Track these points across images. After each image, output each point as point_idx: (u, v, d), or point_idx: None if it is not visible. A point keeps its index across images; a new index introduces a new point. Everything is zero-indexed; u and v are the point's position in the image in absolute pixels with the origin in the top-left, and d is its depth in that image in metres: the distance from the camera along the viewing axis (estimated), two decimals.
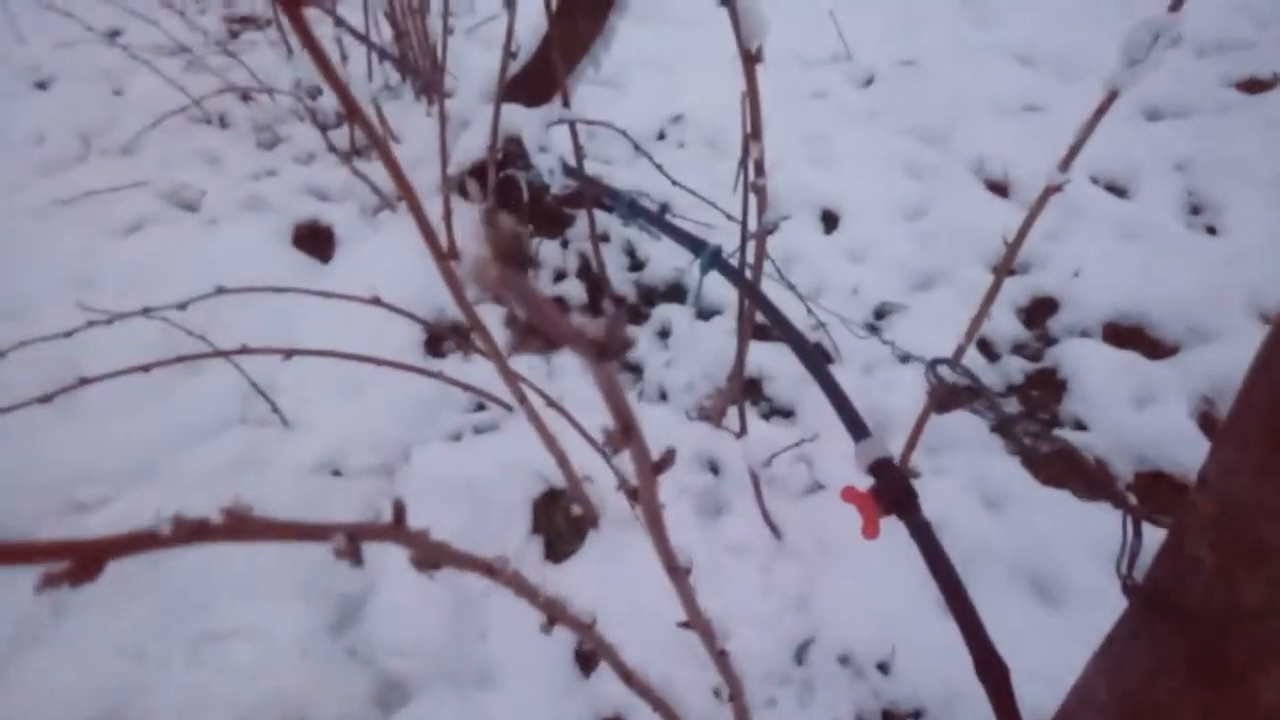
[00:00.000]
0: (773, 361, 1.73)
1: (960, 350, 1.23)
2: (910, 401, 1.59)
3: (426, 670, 1.26)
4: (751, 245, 1.23)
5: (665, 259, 2.00)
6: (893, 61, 2.76)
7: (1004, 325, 1.81)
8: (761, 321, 1.14)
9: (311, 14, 2.65)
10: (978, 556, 1.37)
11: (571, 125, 1.59)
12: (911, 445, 1.37)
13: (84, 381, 1.12)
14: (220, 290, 1.16)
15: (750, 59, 0.97)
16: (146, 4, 2.73)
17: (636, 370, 1.78)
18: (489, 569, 0.63)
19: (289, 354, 1.15)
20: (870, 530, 0.79)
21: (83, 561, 0.34)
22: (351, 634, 1.30)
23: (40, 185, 2.12)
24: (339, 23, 2.05)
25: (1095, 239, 1.97)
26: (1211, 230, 2.01)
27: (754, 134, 1.06)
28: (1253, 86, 2.45)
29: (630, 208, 1.42)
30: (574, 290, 1.96)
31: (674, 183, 1.78)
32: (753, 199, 1.16)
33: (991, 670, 0.69)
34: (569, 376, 1.71)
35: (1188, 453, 1.52)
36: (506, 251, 0.23)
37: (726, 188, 2.03)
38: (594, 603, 1.29)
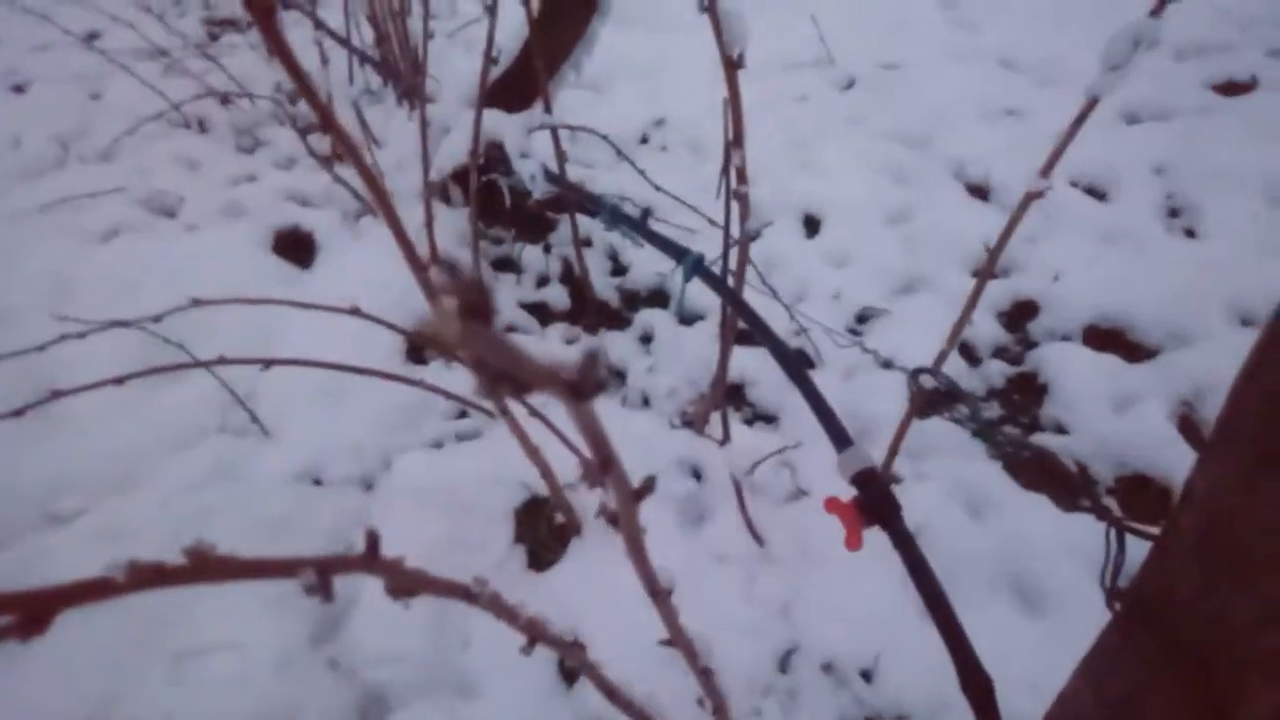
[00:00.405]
0: (756, 366, 1.72)
1: (942, 356, 1.23)
2: (892, 406, 1.59)
3: (409, 681, 1.25)
4: (734, 252, 1.23)
5: (648, 264, 1.99)
6: (875, 65, 2.77)
7: (985, 329, 1.82)
8: (745, 327, 1.14)
9: (291, 16, 2.64)
10: (960, 563, 1.37)
11: (553, 130, 1.59)
12: (893, 452, 1.37)
13: (57, 395, 1.10)
14: (195, 302, 1.15)
15: (732, 65, 0.96)
16: (124, 7, 2.71)
17: (619, 376, 1.78)
18: (467, 594, 0.62)
19: (267, 364, 1.14)
20: (853, 542, 0.79)
21: (30, 615, 0.32)
22: (332, 645, 1.29)
23: (17, 191, 2.09)
24: (319, 25, 2.03)
25: (1075, 242, 1.98)
26: (1190, 233, 2.02)
27: (736, 141, 1.06)
28: (1231, 89, 2.47)
29: (613, 214, 1.41)
30: (557, 295, 1.95)
31: (656, 188, 1.77)
32: (735, 206, 1.15)
33: (975, 683, 0.69)
34: None
35: (1168, 456, 1.53)
36: (469, 304, 0.22)
37: (709, 192, 2.02)
38: (577, 612, 1.29)
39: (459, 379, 1.61)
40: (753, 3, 1.13)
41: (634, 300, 1.98)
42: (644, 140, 2.47)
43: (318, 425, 1.59)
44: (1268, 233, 1.94)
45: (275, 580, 0.44)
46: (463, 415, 1.65)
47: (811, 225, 2.14)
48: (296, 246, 2.04)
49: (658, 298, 1.98)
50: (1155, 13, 0.89)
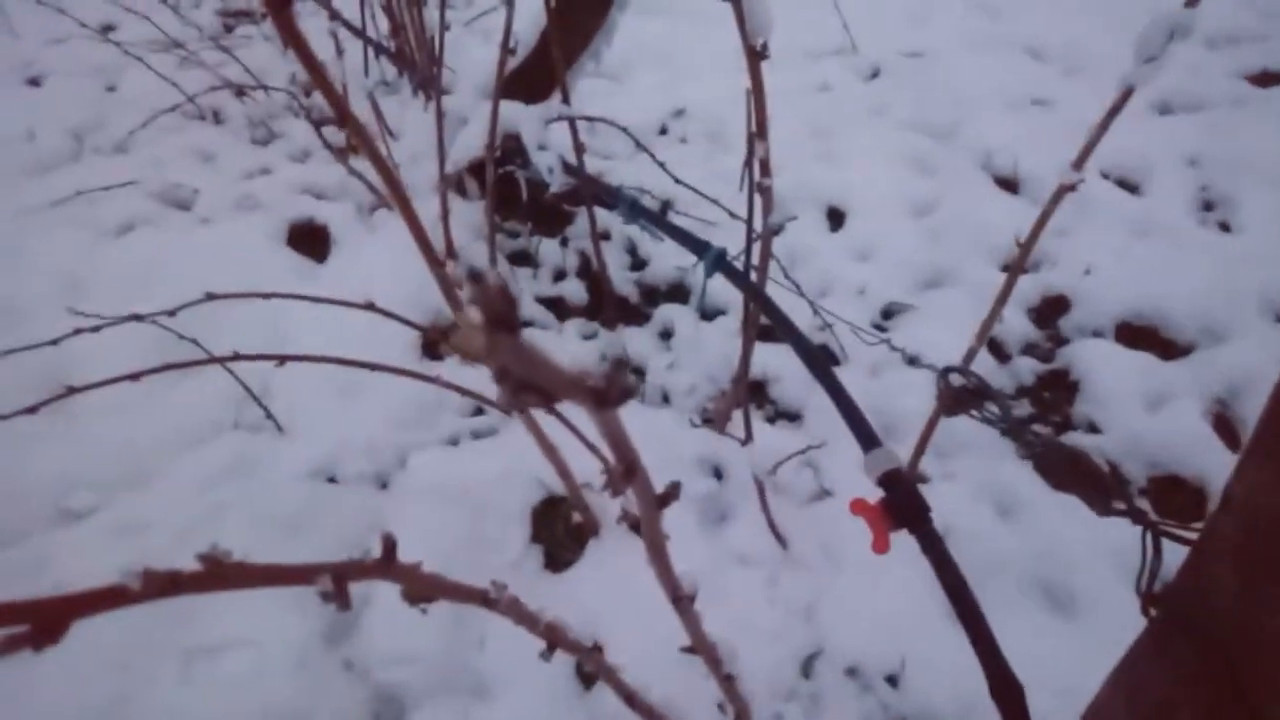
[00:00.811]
0: (778, 363, 1.69)
1: (971, 354, 1.20)
2: (919, 403, 1.56)
3: (423, 681, 1.23)
4: (756, 247, 1.20)
5: (667, 258, 1.96)
6: (899, 54, 2.72)
7: (1015, 325, 1.78)
8: (767, 323, 1.11)
9: (305, 6, 2.62)
10: (989, 565, 1.34)
11: (571, 122, 1.56)
12: (920, 451, 1.34)
13: (72, 391, 1.08)
14: (209, 296, 1.13)
15: (755, 55, 0.93)
16: None
17: (639, 373, 1.75)
18: (485, 599, 0.60)
19: (282, 361, 1.12)
20: (881, 545, 0.76)
21: (44, 624, 0.31)
22: (347, 645, 1.27)
23: (32, 184, 2.08)
24: (334, 16, 2.00)
25: (1106, 236, 1.93)
26: (1225, 227, 1.97)
27: (759, 132, 1.03)
28: (1265, 80, 2.40)
29: (632, 208, 1.38)
30: (574, 290, 1.93)
31: (676, 180, 1.74)
32: (758, 199, 1.12)
33: (1006, 690, 0.67)
34: None
35: (1202, 456, 1.49)
36: (496, 314, 0.20)
37: (729, 183, 1.99)
38: (594, 614, 1.27)
39: (475, 375, 1.59)
40: None
41: (653, 295, 1.95)
42: (663, 131, 2.43)
43: (333, 421, 1.57)
44: None
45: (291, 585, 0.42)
46: (479, 412, 1.62)
47: (835, 218, 2.09)
48: (311, 240, 2.02)
49: (678, 292, 1.95)
50: (1191, 3, 0.86)
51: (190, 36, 2.63)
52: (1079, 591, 1.32)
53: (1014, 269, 1.10)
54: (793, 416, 1.65)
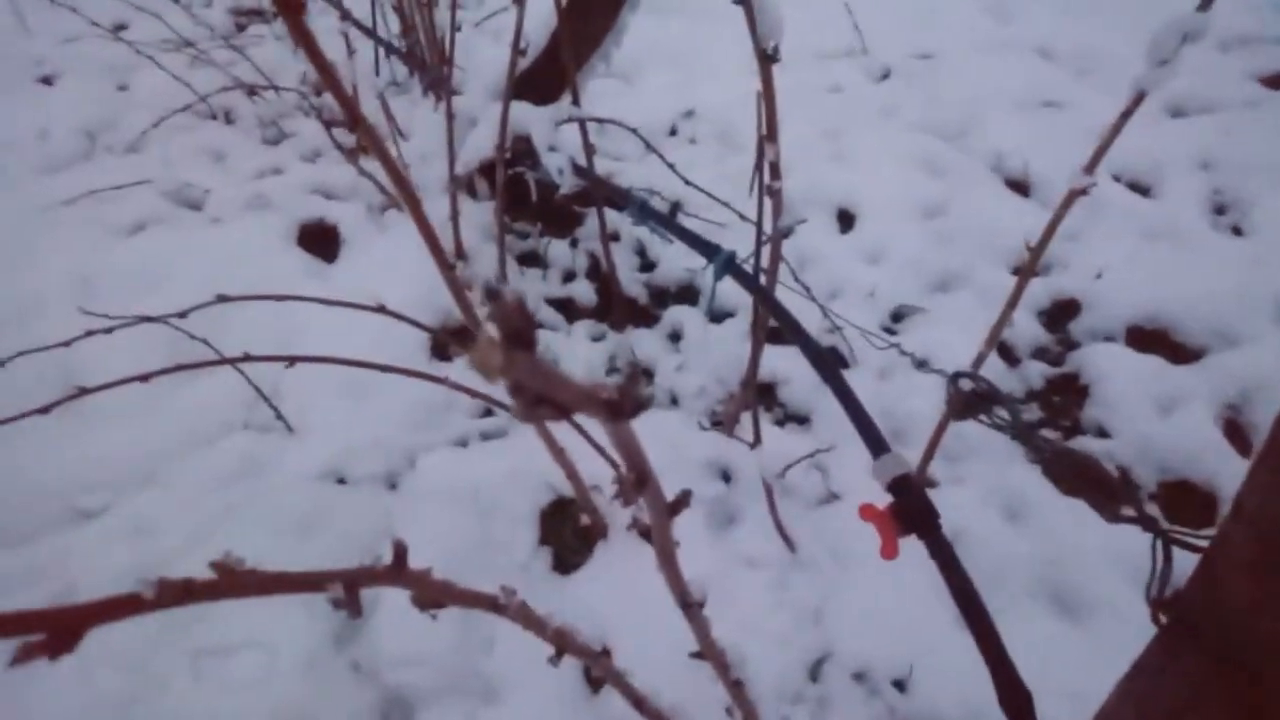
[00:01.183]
0: (787, 366, 1.69)
1: (981, 358, 1.19)
2: (928, 407, 1.55)
3: (432, 684, 1.23)
4: (766, 249, 1.19)
5: (677, 259, 1.96)
6: (909, 55, 2.71)
7: (1025, 328, 1.77)
8: (776, 325, 1.11)
9: (316, 5, 2.62)
10: (998, 569, 1.33)
11: (581, 123, 1.56)
12: (929, 456, 1.33)
13: (83, 391, 1.09)
14: (221, 298, 1.13)
15: (766, 59, 0.93)
16: None
17: (648, 374, 1.75)
18: (494, 605, 0.60)
19: (291, 362, 1.12)
20: (889, 550, 0.76)
21: (59, 633, 0.31)
22: (355, 647, 1.27)
23: (44, 183, 2.09)
24: (345, 16, 2.01)
25: (1118, 239, 1.92)
26: (1237, 230, 1.96)
27: (769, 136, 1.03)
28: (1278, 82, 2.39)
29: (642, 210, 1.38)
30: (584, 291, 1.93)
31: (687, 182, 1.74)
32: (768, 202, 1.12)
33: (1014, 697, 0.66)
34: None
35: (1213, 461, 1.48)
36: (513, 330, 0.20)
37: (739, 184, 1.99)
38: (603, 617, 1.27)
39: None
40: None
41: (663, 296, 1.95)
42: (673, 132, 2.43)
43: (342, 422, 1.58)
44: None
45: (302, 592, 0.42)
46: (488, 414, 1.62)
47: (845, 220, 2.09)
48: (322, 240, 2.02)
49: (687, 294, 1.94)
50: (1204, 7, 0.85)
51: (202, 35, 2.63)
52: (1088, 597, 1.31)
53: (1024, 273, 1.10)
54: (802, 419, 1.65)
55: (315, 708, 1.21)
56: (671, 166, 1.73)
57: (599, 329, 1.85)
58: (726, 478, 1.50)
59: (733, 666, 0.79)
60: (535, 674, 1.22)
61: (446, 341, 1.70)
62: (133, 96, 2.47)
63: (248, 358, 1.14)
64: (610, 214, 1.84)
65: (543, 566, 1.39)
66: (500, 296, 0.20)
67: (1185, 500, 1.47)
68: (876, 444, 0.85)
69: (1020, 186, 2.15)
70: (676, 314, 1.86)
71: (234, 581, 0.39)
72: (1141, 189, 2.10)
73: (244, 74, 2.44)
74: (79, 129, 2.29)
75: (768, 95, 0.98)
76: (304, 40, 0.59)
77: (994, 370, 1.67)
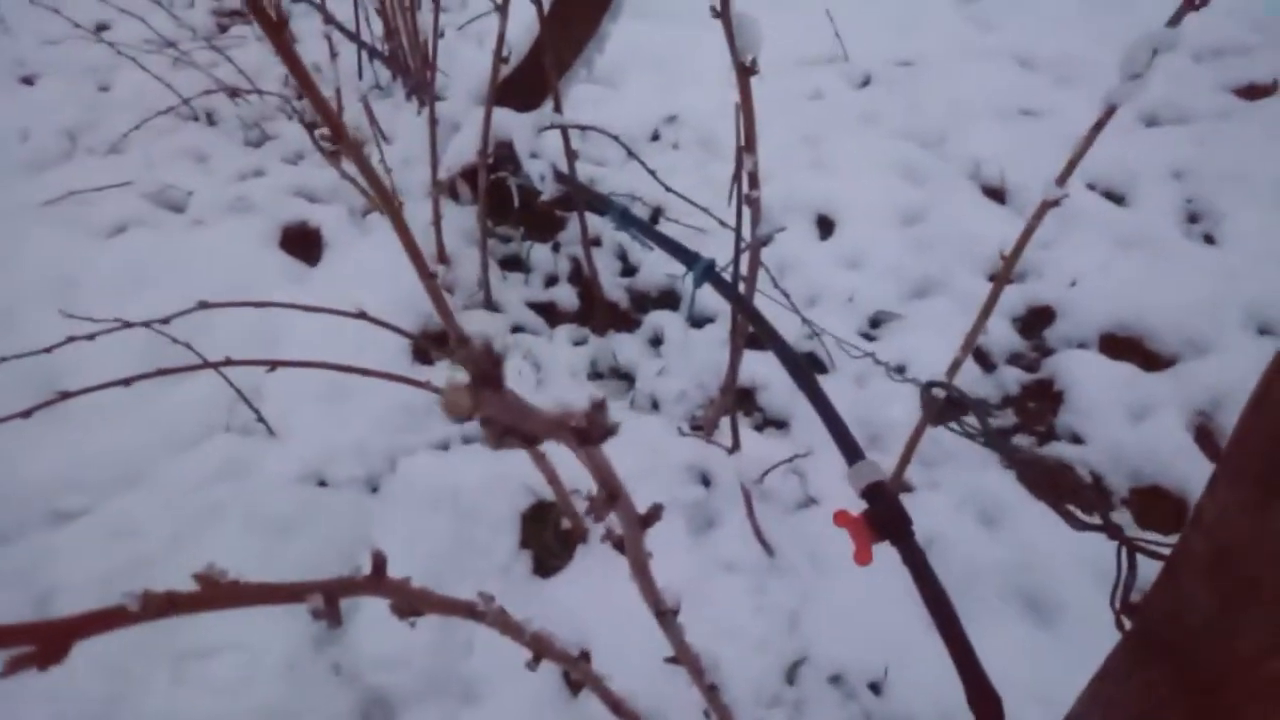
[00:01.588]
0: (767, 371, 1.70)
1: (956, 365, 1.21)
2: (905, 413, 1.57)
3: (412, 686, 1.24)
4: (745, 256, 1.21)
5: (658, 264, 1.97)
6: (890, 62, 2.73)
7: (1000, 335, 1.79)
8: (755, 331, 1.12)
9: (299, 8, 2.62)
10: (972, 573, 1.35)
11: (563, 130, 1.57)
12: (905, 462, 1.35)
13: (64, 395, 1.09)
14: (202, 304, 1.13)
15: (745, 71, 0.95)
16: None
17: (628, 379, 1.76)
18: (472, 611, 0.61)
19: (273, 366, 1.13)
20: (863, 557, 0.77)
21: (48, 645, 0.32)
22: (335, 649, 1.28)
23: (25, 184, 2.08)
24: (328, 19, 2.01)
25: (1092, 247, 1.95)
26: (1210, 239, 1.99)
27: (748, 146, 1.04)
28: (1252, 93, 2.43)
29: (623, 216, 1.39)
30: (565, 295, 1.94)
31: (667, 189, 1.75)
32: (747, 210, 1.13)
33: (984, 702, 0.68)
34: (557, 385, 1.69)
35: (1184, 467, 1.51)
36: (481, 373, 0.21)
37: (721, 190, 2.00)
38: (582, 620, 1.28)
39: None
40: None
41: (644, 301, 1.96)
42: (655, 137, 2.44)
43: (324, 425, 1.58)
44: None
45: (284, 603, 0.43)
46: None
47: (825, 226, 2.11)
48: (304, 242, 2.02)
49: (668, 299, 1.96)
50: (1175, 21, 0.87)
51: (184, 37, 2.63)
52: (1059, 601, 1.33)
53: (998, 281, 1.12)
54: (780, 424, 1.66)
55: (296, 709, 1.21)
56: (653, 173, 1.74)
57: (581, 333, 1.86)
58: (706, 482, 1.51)
59: (707, 671, 0.80)
60: (515, 676, 1.23)
61: (427, 346, 1.71)
62: (114, 97, 2.46)
63: (229, 362, 1.15)
64: (592, 218, 1.85)
65: (523, 569, 1.40)
66: (468, 343, 0.21)
67: (1157, 506, 1.50)
68: (851, 451, 0.86)
69: (997, 194, 2.18)
70: (657, 318, 1.88)
71: (217, 593, 0.40)
72: (1116, 198, 2.13)
73: (226, 76, 2.44)
74: (60, 130, 2.28)
75: (746, 106, 0.99)
76: (288, 59, 0.60)
77: (970, 376, 1.69)
